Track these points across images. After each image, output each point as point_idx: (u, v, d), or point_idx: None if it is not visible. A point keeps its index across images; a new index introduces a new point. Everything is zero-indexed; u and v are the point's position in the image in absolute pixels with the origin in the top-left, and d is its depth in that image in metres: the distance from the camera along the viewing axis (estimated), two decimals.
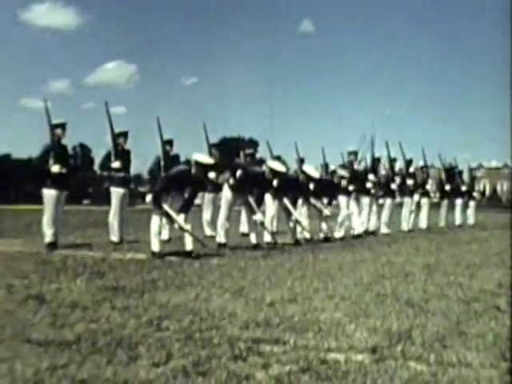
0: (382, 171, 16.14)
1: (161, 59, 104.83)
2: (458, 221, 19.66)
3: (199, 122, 13.11)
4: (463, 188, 19.91)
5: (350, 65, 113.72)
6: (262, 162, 12.32)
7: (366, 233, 13.91)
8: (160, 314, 4.57)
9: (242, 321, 4.38)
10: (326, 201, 12.38)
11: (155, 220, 8.56)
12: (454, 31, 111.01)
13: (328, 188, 12.21)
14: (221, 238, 10.15)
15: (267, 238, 10.95)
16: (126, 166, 10.91)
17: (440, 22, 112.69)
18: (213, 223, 12.31)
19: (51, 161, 9.69)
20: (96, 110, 70.85)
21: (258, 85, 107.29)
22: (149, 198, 8.60)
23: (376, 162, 14.90)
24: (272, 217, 11.18)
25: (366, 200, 13.93)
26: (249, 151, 13.13)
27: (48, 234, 9.64)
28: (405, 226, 16.32)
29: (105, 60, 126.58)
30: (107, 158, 10.94)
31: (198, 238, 8.93)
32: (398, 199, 16.67)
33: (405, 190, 16.56)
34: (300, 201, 14.52)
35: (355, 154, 13.12)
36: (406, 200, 16.64)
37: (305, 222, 12.13)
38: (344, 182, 12.79)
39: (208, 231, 12.60)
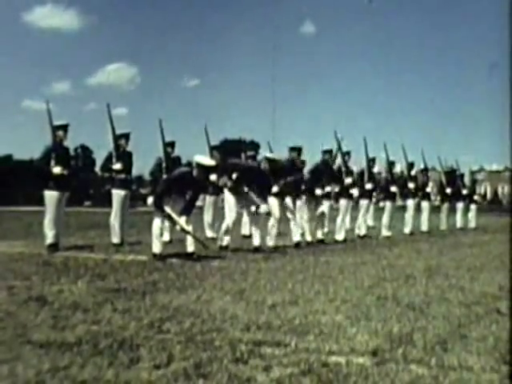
0: (383, 174, 16.15)
1: (162, 61, 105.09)
2: (459, 224, 19.65)
3: (201, 124, 13.14)
4: (464, 191, 19.89)
5: (350, 66, 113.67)
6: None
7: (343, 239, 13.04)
8: (161, 316, 4.57)
9: (243, 323, 4.38)
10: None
11: (157, 222, 8.55)
12: (455, 33, 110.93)
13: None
14: (223, 241, 10.10)
15: (270, 241, 10.93)
16: (127, 167, 10.91)
17: (442, 24, 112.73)
18: (214, 225, 12.33)
19: (53, 162, 9.71)
20: (98, 111, 70.88)
21: (260, 87, 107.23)
22: (150, 200, 8.61)
23: (370, 162, 14.80)
24: (276, 220, 11.11)
25: (342, 203, 13.75)
26: (250, 153, 13.16)
27: (49, 235, 9.65)
28: (407, 229, 16.31)
29: (106, 62, 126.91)
30: (108, 160, 10.94)
31: (199, 239, 8.92)
32: (399, 202, 16.68)
33: (407, 193, 16.56)
34: (299, 203, 14.54)
35: (330, 152, 12.97)
36: (409, 203, 16.64)
37: (306, 224, 12.14)
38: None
39: (209, 233, 12.62)
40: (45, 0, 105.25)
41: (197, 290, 5.85)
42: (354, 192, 13.89)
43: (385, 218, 15.33)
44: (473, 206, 20.76)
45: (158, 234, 8.58)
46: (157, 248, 8.54)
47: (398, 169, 16.49)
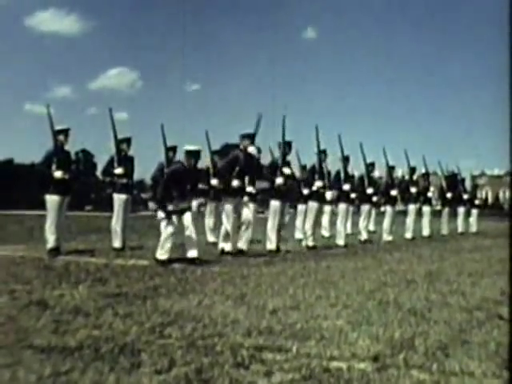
0: (384, 178, 16.16)
1: (163, 66, 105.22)
2: (460, 228, 19.66)
3: (202, 129, 13.15)
4: (465, 196, 19.90)
5: (351, 71, 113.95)
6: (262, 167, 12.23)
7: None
8: (162, 321, 4.57)
9: (245, 328, 4.38)
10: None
11: (165, 228, 8.55)
12: (455, 37, 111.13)
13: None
14: (224, 247, 10.08)
15: (270, 245, 10.93)
16: (128, 172, 10.92)
17: (442, 28, 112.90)
18: (215, 230, 12.32)
19: (54, 166, 9.72)
20: (99, 115, 71.12)
21: (261, 91, 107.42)
22: (152, 205, 8.62)
23: (370, 167, 14.73)
24: (274, 225, 11.09)
25: (342, 207, 13.71)
26: None
27: (50, 239, 9.65)
28: (408, 234, 16.30)
29: (108, 66, 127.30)
30: (110, 164, 10.95)
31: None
32: (401, 207, 16.68)
33: (408, 198, 16.57)
34: (301, 207, 14.55)
35: (324, 152, 12.85)
36: (410, 208, 16.65)
37: (310, 229, 12.13)
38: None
39: (210, 238, 12.62)
40: (46, 4, 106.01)
41: (198, 294, 5.84)
42: (353, 196, 13.89)
43: (386, 223, 15.33)
44: (474, 211, 20.77)
45: (165, 242, 8.55)
46: (162, 255, 8.52)
47: (399, 173, 16.50)
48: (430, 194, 17.71)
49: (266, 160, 12.12)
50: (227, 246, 9.98)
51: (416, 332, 4.39)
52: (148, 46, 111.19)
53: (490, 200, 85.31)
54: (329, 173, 13.04)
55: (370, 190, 14.46)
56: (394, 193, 15.58)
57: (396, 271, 8.16)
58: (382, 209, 15.72)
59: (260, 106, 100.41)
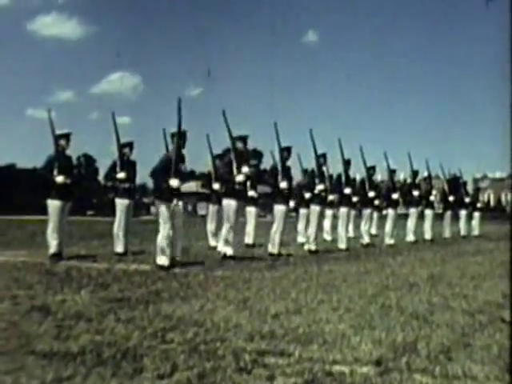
0: (385, 181, 16.17)
1: (165, 70, 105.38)
2: (462, 232, 19.65)
3: (203, 133, 13.13)
4: (467, 199, 19.90)
5: (353, 74, 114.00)
6: (265, 171, 12.20)
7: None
8: (165, 326, 4.57)
9: (247, 332, 4.38)
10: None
11: (162, 234, 8.56)
12: (457, 39, 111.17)
13: None
14: (226, 251, 10.06)
15: (272, 249, 10.93)
16: (131, 176, 10.91)
17: (443, 32, 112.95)
18: (217, 234, 12.32)
19: (55, 171, 9.72)
20: (101, 120, 71.22)
21: (263, 95, 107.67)
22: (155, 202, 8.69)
23: (370, 170, 14.73)
24: (279, 229, 11.07)
25: (343, 211, 13.70)
26: (253, 162, 13.14)
27: (52, 244, 9.66)
28: (410, 237, 16.30)
29: (109, 70, 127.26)
30: (112, 169, 10.94)
31: None
32: (403, 210, 16.68)
33: (410, 201, 16.56)
34: (302, 211, 14.54)
35: (324, 156, 12.85)
36: (412, 211, 16.64)
37: (313, 233, 12.13)
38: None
39: (212, 242, 12.62)
40: (48, 9, 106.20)
41: (200, 299, 5.84)
42: (354, 199, 13.88)
43: (388, 227, 15.33)
44: (476, 214, 20.77)
45: (165, 247, 8.57)
46: (162, 260, 8.53)
47: (401, 177, 16.50)
48: (432, 198, 17.70)
49: (268, 165, 12.15)
50: (229, 250, 9.96)
51: (418, 336, 4.39)
52: (150, 49, 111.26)
53: (492, 203, 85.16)
54: (331, 176, 13.05)
55: (371, 194, 14.47)
56: (395, 196, 15.58)
57: (398, 275, 8.15)
58: (384, 212, 15.73)
59: (261, 109, 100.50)
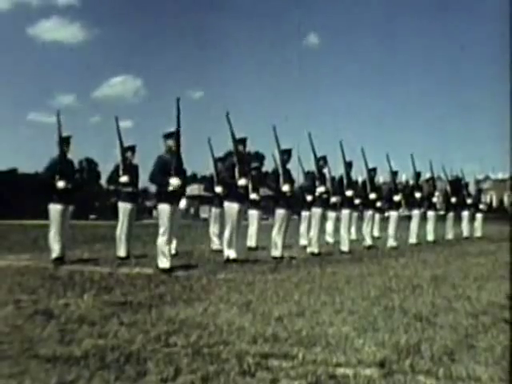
0: (387, 183, 16.18)
1: (167, 73, 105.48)
2: (465, 233, 19.63)
3: (205, 136, 13.14)
4: (469, 200, 19.89)
5: (354, 76, 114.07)
6: (267, 174, 12.19)
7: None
8: (168, 329, 4.56)
9: (250, 335, 4.37)
10: None
11: (163, 235, 8.56)
12: (459, 41, 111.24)
13: None
14: (228, 254, 10.05)
15: (275, 252, 10.92)
16: (133, 180, 10.91)
17: (447, 32, 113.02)
18: (220, 237, 12.32)
19: (57, 176, 9.73)
20: (102, 124, 71.24)
21: (265, 98, 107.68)
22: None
23: (371, 172, 14.70)
24: (281, 231, 11.06)
25: (345, 213, 13.68)
26: (255, 165, 13.15)
27: (55, 248, 9.66)
28: (412, 239, 16.28)
29: (111, 74, 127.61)
30: (115, 172, 10.94)
31: None
32: (405, 212, 16.67)
33: (413, 203, 16.55)
34: (304, 213, 14.54)
35: (324, 158, 12.83)
36: (415, 213, 16.63)
37: (315, 236, 12.13)
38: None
39: (215, 245, 12.62)
40: (49, 13, 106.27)
41: (203, 302, 5.84)
42: (356, 202, 13.87)
43: (390, 228, 15.31)
44: (478, 215, 20.75)
45: (165, 249, 8.57)
46: (163, 263, 8.53)
47: (403, 178, 16.50)
48: (434, 199, 17.69)
49: (270, 168, 12.15)
50: (232, 253, 9.95)
51: (422, 337, 4.38)
52: (151, 53, 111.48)
53: (494, 204, 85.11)
54: (333, 178, 13.05)
55: (372, 196, 14.45)
56: (397, 198, 15.57)
57: (401, 276, 8.14)
58: (386, 214, 15.72)
59: (263, 112, 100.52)
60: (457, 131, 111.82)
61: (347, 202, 13.51)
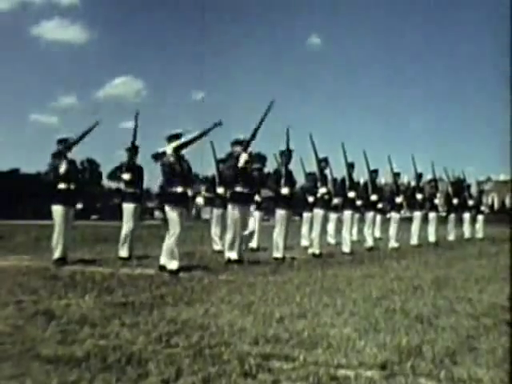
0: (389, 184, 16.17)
1: (168, 74, 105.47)
2: (466, 235, 19.62)
3: (207, 137, 13.12)
4: (471, 202, 19.87)
5: (356, 77, 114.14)
6: (269, 175, 12.20)
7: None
8: (169, 330, 4.56)
9: (252, 337, 4.37)
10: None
11: (171, 240, 8.55)
12: (460, 42, 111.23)
13: None
14: (230, 255, 10.03)
15: (276, 253, 10.92)
16: (136, 180, 10.89)
17: (448, 34, 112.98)
18: (222, 238, 12.32)
19: (60, 177, 9.72)
20: (104, 124, 71.19)
21: (267, 99, 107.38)
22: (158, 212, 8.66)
23: (373, 174, 14.69)
24: (282, 232, 11.06)
25: (347, 214, 13.69)
26: (257, 166, 13.15)
27: (57, 249, 9.67)
28: (414, 241, 16.28)
29: (113, 75, 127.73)
30: (118, 169, 10.90)
31: None
32: (407, 213, 16.67)
33: (415, 204, 16.55)
34: (306, 215, 14.54)
35: (325, 160, 12.83)
36: (416, 214, 16.62)
37: (317, 237, 12.13)
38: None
39: (217, 246, 12.62)
40: (51, 14, 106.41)
41: (205, 303, 5.84)
42: (358, 203, 13.87)
43: (392, 230, 15.32)
44: (480, 217, 20.72)
45: (175, 251, 8.54)
46: (172, 265, 8.50)
47: (405, 180, 16.50)
48: (436, 201, 17.69)
49: (272, 169, 12.15)
50: (233, 255, 9.94)
51: (423, 339, 4.38)
52: (153, 54, 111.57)
53: (496, 206, 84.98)
54: (335, 180, 13.05)
55: (374, 197, 14.45)
56: (399, 199, 15.57)
57: (402, 278, 8.13)
58: (388, 216, 15.72)
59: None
60: (459, 133, 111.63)
61: (349, 204, 13.51)
